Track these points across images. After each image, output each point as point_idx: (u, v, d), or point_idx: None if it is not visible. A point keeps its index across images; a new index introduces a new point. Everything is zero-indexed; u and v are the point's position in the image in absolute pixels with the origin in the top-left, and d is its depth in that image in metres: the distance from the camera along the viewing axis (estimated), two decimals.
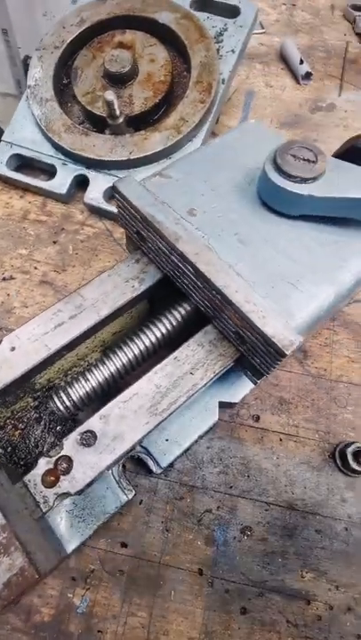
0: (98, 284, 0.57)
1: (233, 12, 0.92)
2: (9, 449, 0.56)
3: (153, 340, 0.55)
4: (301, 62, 1.09)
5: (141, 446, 0.64)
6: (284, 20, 1.26)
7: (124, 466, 0.64)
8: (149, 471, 0.63)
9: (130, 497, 0.60)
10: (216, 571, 0.61)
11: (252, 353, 0.51)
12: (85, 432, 0.49)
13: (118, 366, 0.54)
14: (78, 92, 0.88)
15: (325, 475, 0.66)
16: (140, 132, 0.85)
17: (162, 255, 0.55)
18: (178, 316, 0.56)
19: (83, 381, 0.54)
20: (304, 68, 1.08)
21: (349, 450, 0.65)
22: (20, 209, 0.91)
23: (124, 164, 0.85)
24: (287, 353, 0.46)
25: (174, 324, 0.56)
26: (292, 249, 0.55)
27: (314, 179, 0.53)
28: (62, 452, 0.48)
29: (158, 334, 0.55)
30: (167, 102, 0.90)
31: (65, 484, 0.46)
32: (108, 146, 0.85)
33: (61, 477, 0.47)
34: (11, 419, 0.57)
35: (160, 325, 0.55)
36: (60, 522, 0.57)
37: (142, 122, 0.88)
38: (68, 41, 0.92)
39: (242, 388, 0.66)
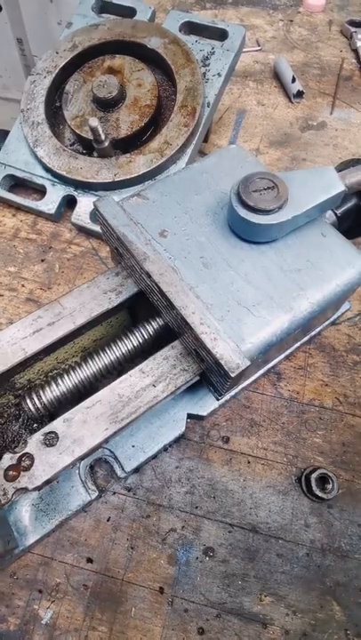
0: (77, 294, 0.60)
1: (221, 35, 0.94)
2: None
3: (125, 350, 0.58)
4: (293, 80, 1.10)
5: (109, 450, 0.67)
6: (280, 37, 1.26)
7: (92, 467, 0.68)
8: (117, 476, 0.67)
9: (93, 497, 0.64)
10: (177, 590, 0.62)
11: (209, 371, 0.53)
12: (49, 433, 0.51)
13: (89, 373, 0.57)
14: (68, 115, 0.91)
15: (291, 499, 0.67)
16: (125, 154, 0.88)
17: (136, 272, 0.58)
18: (151, 329, 0.59)
19: (54, 385, 0.57)
20: (296, 87, 1.09)
21: (314, 476, 0.65)
22: (11, 227, 0.95)
23: (110, 186, 0.88)
24: (232, 375, 0.48)
25: (145, 336, 0.59)
26: (253, 274, 0.56)
27: (280, 207, 0.55)
28: (26, 450, 0.50)
29: (131, 345, 0.58)
30: (155, 125, 0.93)
31: (24, 480, 0.49)
32: (94, 168, 0.87)
33: (22, 473, 0.49)
34: None
35: (135, 336, 0.59)
36: (25, 514, 0.62)
37: (130, 144, 0.91)
38: (61, 66, 0.95)
39: (211, 402, 0.68)
